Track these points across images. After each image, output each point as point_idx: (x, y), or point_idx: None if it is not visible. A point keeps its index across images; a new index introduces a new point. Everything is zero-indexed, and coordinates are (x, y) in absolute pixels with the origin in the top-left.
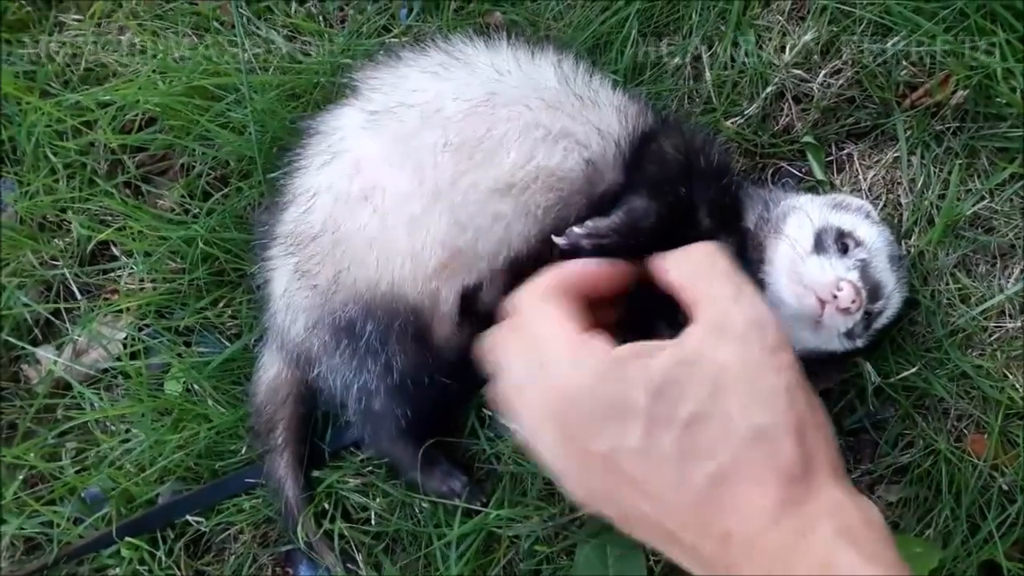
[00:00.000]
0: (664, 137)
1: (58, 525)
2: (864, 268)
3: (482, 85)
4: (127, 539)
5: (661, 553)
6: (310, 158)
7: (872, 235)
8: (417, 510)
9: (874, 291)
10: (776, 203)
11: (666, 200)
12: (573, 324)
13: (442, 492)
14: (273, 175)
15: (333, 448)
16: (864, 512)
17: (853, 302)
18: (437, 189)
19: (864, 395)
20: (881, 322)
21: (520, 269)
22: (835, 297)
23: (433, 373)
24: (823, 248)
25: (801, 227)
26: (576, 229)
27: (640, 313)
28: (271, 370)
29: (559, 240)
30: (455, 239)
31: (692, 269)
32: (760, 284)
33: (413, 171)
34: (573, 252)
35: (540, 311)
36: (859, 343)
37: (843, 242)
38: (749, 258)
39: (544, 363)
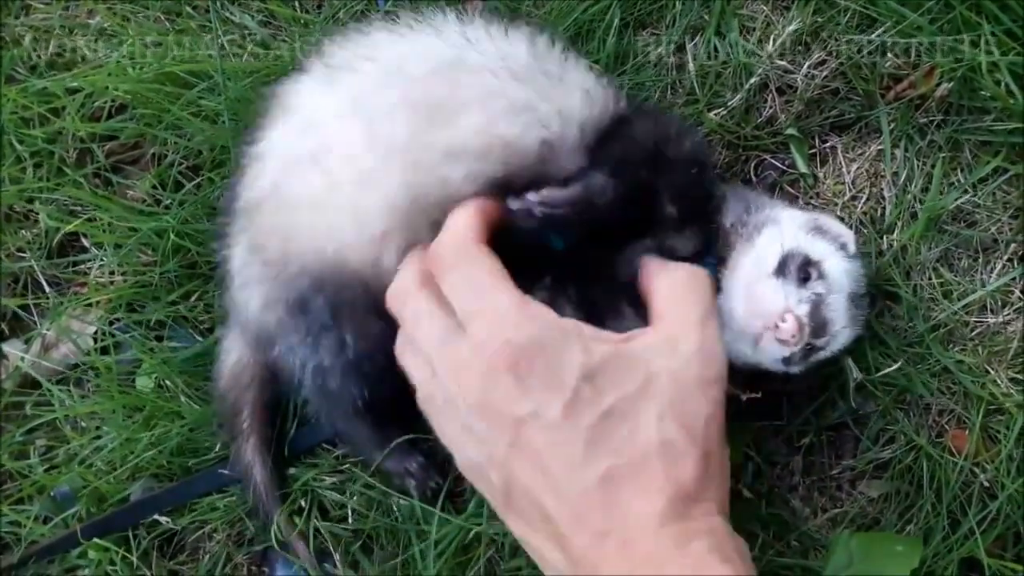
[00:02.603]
0: (636, 121)
1: (25, 525)
2: (817, 304)
3: (449, 49)
4: (94, 540)
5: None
6: (266, 121)
7: (838, 270)
8: (395, 507)
9: (820, 328)
10: (758, 209)
11: (627, 181)
12: (511, 282)
13: (397, 471)
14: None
15: (302, 448)
16: (737, 542)
17: (792, 336)
18: (390, 148)
19: (845, 391)
20: (822, 355)
21: None
22: (777, 327)
23: (389, 349)
24: (784, 272)
25: (771, 244)
26: (531, 196)
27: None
28: (233, 353)
29: (514, 203)
30: (401, 202)
31: (674, 284)
32: (718, 284)
33: (366, 127)
34: (522, 218)
35: (475, 262)
36: (794, 370)
37: (806, 270)
38: (717, 256)
39: (488, 315)
